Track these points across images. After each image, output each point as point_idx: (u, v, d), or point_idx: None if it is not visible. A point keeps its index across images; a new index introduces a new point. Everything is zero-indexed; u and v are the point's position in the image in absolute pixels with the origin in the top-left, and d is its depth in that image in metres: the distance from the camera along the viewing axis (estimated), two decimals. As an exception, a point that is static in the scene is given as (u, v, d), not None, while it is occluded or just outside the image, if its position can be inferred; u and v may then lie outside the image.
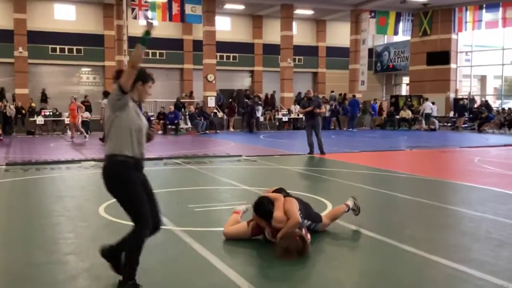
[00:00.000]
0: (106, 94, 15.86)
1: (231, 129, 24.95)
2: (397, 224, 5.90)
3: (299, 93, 29.61)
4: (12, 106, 22.06)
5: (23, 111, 22.83)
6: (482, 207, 6.66)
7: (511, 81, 36.30)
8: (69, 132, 22.30)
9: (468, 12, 27.44)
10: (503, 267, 4.24)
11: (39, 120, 21.86)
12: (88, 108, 22.56)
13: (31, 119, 22.46)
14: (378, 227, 5.51)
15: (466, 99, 27.97)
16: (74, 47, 27.44)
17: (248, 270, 4.22)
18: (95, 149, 14.79)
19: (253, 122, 24.26)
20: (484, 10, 26.75)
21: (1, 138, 18.13)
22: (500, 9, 25.91)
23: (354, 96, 27.27)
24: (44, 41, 26.60)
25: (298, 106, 27.46)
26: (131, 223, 3.69)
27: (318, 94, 25.42)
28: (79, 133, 18.14)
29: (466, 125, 26.17)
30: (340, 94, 28.41)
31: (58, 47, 27.08)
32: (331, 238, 5.15)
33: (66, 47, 27.29)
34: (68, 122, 19.91)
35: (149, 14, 22.93)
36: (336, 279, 4.06)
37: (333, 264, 4.42)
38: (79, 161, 11.80)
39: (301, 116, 26.72)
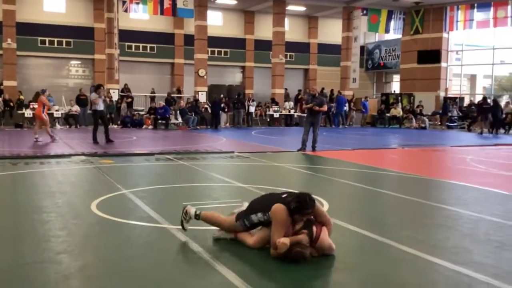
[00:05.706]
0: (96, 88, 15.61)
1: (227, 125, 24.88)
2: (395, 224, 5.83)
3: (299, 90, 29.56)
4: (0, 99, 21.71)
5: (11, 104, 22.46)
6: (478, 208, 6.62)
7: (501, 80, 36.52)
8: (58, 125, 22.02)
9: (459, 11, 27.52)
10: (506, 270, 4.18)
11: (28, 113, 21.50)
12: (84, 102, 22.17)
13: (20, 112, 22.12)
14: (376, 227, 5.43)
15: (456, 98, 28.07)
16: (64, 40, 27.11)
17: (246, 270, 4.11)
18: (85, 143, 14.58)
19: (242, 119, 24.51)
20: (475, 10, 26.86)
21: None
22: (492, 8, 26.01)
23: (340, 93, 27.21)
24: (33, 33, 26.25)
25: (292, 103, 27.46)
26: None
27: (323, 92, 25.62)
28: (36, 135, 14.90)
29: (455, 124, 26.27)
30: (332, 91, 28.38)
31: (47, 39, 26.75)
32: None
33: (56, 40, 26.95)
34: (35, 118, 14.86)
35: None
36: (339, 282, 3.99)
37: (336, 266, 4.31)
38: (69, 155, 11.60)
39: (292, 112, 26.73)
